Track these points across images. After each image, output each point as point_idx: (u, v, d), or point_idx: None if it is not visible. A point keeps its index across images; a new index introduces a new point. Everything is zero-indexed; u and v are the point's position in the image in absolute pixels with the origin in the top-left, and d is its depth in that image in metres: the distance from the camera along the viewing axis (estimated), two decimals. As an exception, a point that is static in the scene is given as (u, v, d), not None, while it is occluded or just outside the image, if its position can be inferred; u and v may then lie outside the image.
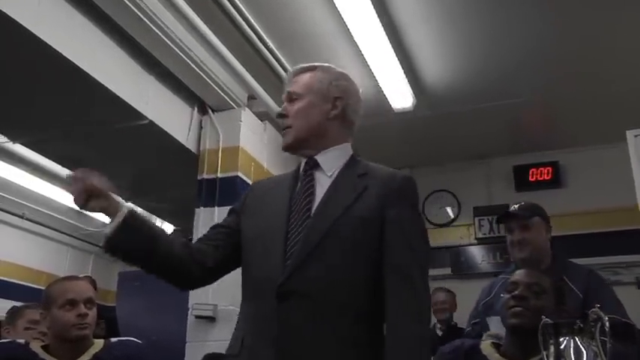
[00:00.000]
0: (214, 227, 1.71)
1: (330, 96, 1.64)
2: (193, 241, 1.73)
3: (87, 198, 1.48)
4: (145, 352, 2.25)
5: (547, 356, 1.34)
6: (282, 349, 1.39)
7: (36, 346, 2.10)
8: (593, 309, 1.29)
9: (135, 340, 2.26)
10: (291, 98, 1.65)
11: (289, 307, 1.42)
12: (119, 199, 1.55)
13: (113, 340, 2.24)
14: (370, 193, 1.52)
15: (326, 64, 1.74)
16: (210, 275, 1.64)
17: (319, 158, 1.61)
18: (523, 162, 5.54)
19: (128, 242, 1.50)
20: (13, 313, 2.91)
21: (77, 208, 1.51)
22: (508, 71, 4.31)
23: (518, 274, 2.04)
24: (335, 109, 1.64)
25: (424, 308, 1.48)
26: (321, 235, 1.47)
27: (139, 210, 1.61)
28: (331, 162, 1.61)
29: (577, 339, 1.30)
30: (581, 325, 1.31)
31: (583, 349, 1.30)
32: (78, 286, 2.15)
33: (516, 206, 2.60)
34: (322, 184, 1.57)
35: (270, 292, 1.44)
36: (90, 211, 1.52)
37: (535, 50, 4.05)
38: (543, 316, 1.42)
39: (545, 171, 5.45)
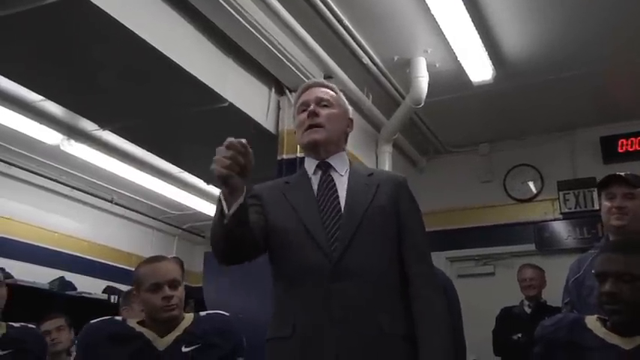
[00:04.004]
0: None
1: (347, 116, 1.93)
2: None
3: (239, 172, 1.51)
4: (233, 324, 2.29)
5: None
6: (344, 325, 1.59)
7: (132, 322, 2.19)
8: None
9: (223, 312, 2.31)
10: (322, 103, 1.85)
11: (343, 286, 1.63)
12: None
13: (202, 313, 2.31)
14: (384, 190, 1.79)
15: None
16: (257, 254, 1.75)
17: (331, 161, 1.85)
18: (611, 132, 5.32)
19: (243, 217, 1.57)
20: (127, 294, 3.02)
21: (219, 174, 1.49)
22: (590, 37, 4.12)
23: (603, 264, 1.88)
24: (349, 127, 1.94)
25: (436, 280, 1.79)
26: (357, 223, 1.71)
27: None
28: (341, 164, 1.86)
29: None
30: None
31: None
32: (161, 268, 2.19)
33: (622, 173, 2.44)
34: (340, 182, 1.82)
35: (321, 275, 1.65)
36: (227, 185, 1.52)
37: (619, 12, 3.85)
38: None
39: (637, 141, 5.20)
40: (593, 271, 1.93)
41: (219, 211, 1.55)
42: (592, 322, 1.92)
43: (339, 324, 1.60)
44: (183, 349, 2.12)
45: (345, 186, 1.80)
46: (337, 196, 1.77)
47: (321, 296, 1.63)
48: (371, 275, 1.67)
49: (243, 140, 1.52)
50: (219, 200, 1.55)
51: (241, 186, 1.54)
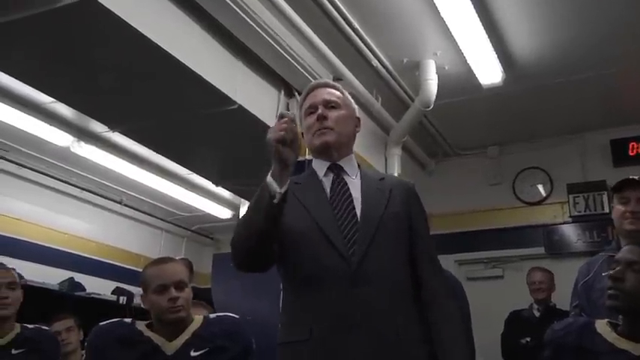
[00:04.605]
0: None
1: (355, 116, 1.92)
2: None
3: (290, 141, 1.55)
4: (243, 326, 2.28)
5: None
6: (363, 329, 1.58)
7: (141, 325, 2.18)
8: None
9: (233, 315, 2.30)
10: (330, 105, 1.84)
11: (363, 291, 1.62)
12: None
13: (211, 316, 2.29)
14: (396, 195, 1.80)
15: None
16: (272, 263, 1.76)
17: (342, 164, 1.84)
18: (621, 135, 5.29)
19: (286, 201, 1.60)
20: None
21: (279, 137, 1.52)
22: (601, 40, 4.11)
23: (622, 251, 1.94)
24: (357, 128, 1.93)
25: (448, 283, 1.84)
26: (375, 228, 1.70)
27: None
28: (351, 167, 1.85)
29: None
30: None
31: None
32: (168, 269, 2.18)
33: (637, 177, 2.42)
34: (352, 185, 1.81)
35: (340, 279, 1.63)
36: (281, 154, 1.54)
37: (629, 15, 3.83)
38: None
39: (648, 144, 5.18)
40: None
41: (266, 195, 1.54)
42: (602, 326, 1.91)
43: (359, 328, 1.58)
44: (192, 354, 2.10)
45: (359, 189, 1.79)
46: (352, 200, 1.76)
47: (341, 300, 1.61)
48: (389, 280, 1.67)
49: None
50: (265, 185, 1.55)
51: (293, 161, 1.56)
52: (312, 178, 1.84)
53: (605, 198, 5.18)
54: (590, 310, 2.34)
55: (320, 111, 1.80)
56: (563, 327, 2.00)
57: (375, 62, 4.14)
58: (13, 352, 2.58)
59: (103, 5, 2.61)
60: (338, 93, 1.88)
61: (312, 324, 1.62)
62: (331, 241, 1.67)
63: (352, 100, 1.94)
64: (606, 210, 5.08)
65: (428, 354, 1.64)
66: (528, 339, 4.16)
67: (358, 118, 1.93)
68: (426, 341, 1.66)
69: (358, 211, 1.73)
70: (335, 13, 3.60)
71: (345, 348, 1.57)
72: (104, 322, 2.20)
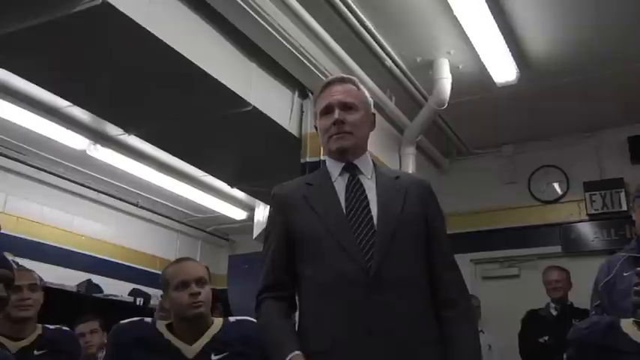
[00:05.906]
0: (281, 255, 1.76)
1: (370, 112, 1.86)
2: None
3: None
4: None
5: None
6: (385, 336, 1.56)
7: (161, 326, 2.18)
8: None
9: (252, 320, 2.29)
10: (347, 107, 1.78)
11: (383, 297, 1.59)
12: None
13: (231, 319, 2.28)
14: (412, 195, 1.76)
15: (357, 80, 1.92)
16: None
17: (357, 163, 1.80)
18: (639, 132, 5.23)
19: None
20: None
21: None
22: (616, 37, 4.08)
23: None
24: (373, 125, 1.88)
25: (465, 286, 1.81)
26: (392, 233, 1.67)
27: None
28: (366, 167, 1.82)
29: None
30: None
31: None
32: (188, 267, 2.20)
33: None
34: (368, 185, 1.77)
35: (357, 286, 1.60)
36: None
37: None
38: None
39: (665, 141, 5.12)
40: None
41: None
42: (628, 325, 1.89)
43: (381, 335, 1.57)
44: (213, 358, 2.10)
45: (374, 190, 1.75)
46: (367, 202, 1.72)
47: (360, 308, 1.59)
48: (408, 285, 1.65)
49: None
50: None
51: None
52: (325, 179, 1.80)
53: (622, 195, 5.14)
54: (612, 311, 2.30)
55: (337, 115, 1.75)
56: (587, 326, 1.98)
57: (388, 62, 4.13)
58: (36, 353, 2.60)
59: (117, 9, 2.63)
60: (354, 89, 1.81)
61: (332, 334, 1.60)
62: (346, 250, 1.64)
63: (367, 94, 1.86)
64: (624, 208, 5.04)
65: (444, 355, 1.64)
66: (546, 338, 4.13)
67: (374, 114, 1.87)
68: (441, 343, 1.65)
69: (374, 213, 1.69)
70: (348, 13, 3.60)
71: (366, 354, 1.55)
72: (125, 321, 2.20)
